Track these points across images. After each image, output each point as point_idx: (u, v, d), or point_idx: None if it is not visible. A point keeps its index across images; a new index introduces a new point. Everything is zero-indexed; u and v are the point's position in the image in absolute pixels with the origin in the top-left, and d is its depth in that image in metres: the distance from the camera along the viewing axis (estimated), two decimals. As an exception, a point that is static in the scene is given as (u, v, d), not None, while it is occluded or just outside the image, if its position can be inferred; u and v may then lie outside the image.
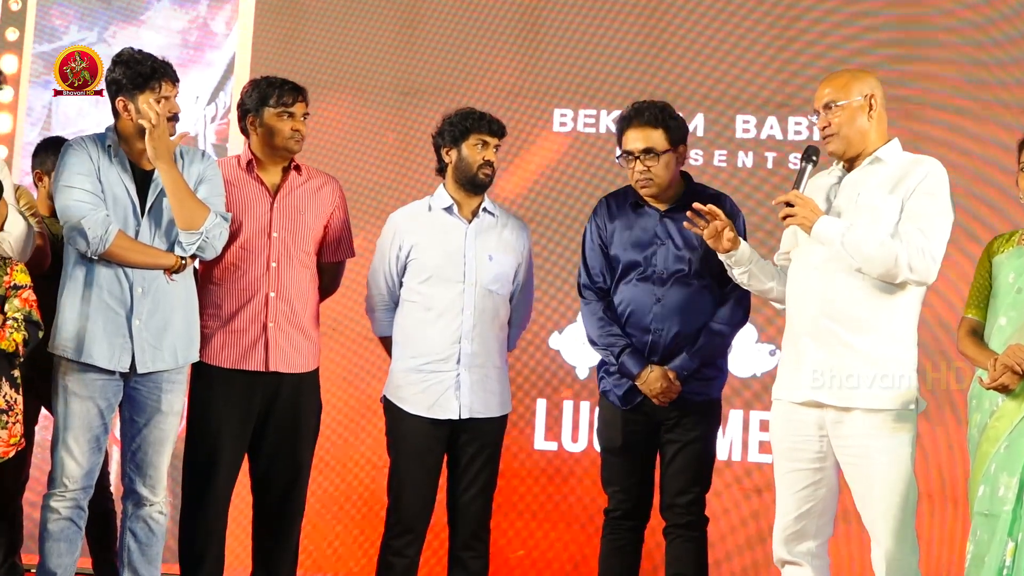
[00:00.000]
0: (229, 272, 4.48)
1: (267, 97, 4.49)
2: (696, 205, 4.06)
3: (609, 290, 4.43)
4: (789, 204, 3.89)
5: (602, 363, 4.48)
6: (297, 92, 4.54)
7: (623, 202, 4.49)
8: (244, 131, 4.60)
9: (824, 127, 3.97)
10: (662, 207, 4.42)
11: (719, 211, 4.06)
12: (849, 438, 3.87)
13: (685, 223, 4.10)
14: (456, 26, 6.00)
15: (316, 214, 4.59)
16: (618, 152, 4.45)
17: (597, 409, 4.54)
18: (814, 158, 3.96)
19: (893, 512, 3.84)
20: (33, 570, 4.30)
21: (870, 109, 3.96)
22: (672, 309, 4.32)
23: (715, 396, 4.44)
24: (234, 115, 5.31)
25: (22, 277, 4.12)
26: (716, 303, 4.36)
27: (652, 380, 4.28)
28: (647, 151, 4.34)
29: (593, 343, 4.46)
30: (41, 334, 4.12)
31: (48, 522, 4.19)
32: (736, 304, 4.38)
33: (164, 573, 4.40)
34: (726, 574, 5.52)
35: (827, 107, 3.95)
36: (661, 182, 4.36)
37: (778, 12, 5.79)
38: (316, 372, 4.62)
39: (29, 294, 4.11)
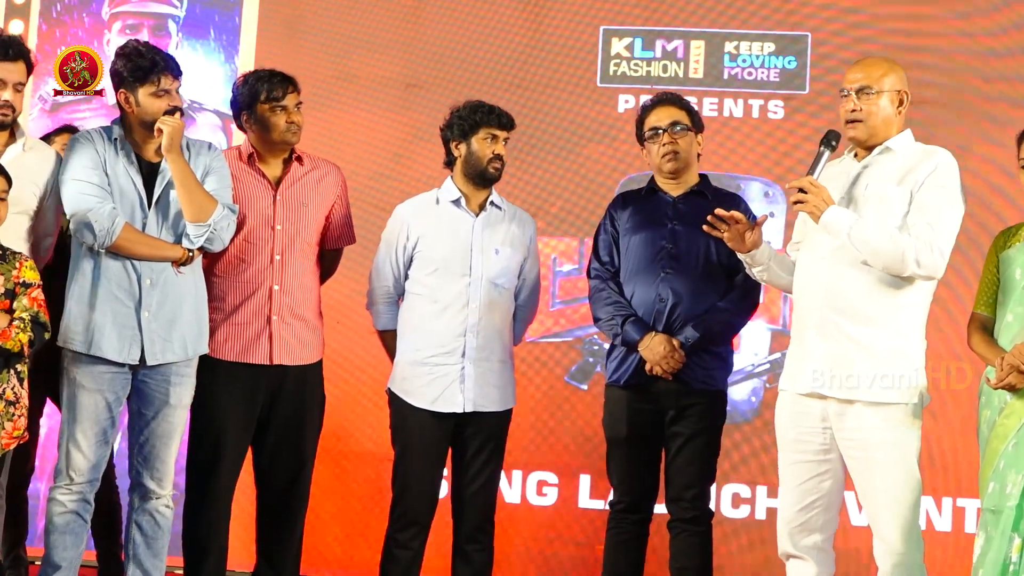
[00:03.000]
0: (232, 265, 4.48)
1: (257, 92, 4.47)
2: (718, 211, 4.03)
3: (618, 273, 4.46)
4: (802, 190, 3.87)
5: (610, 350, 4.50)
6: (287, 83, 4.51)
7: (637, 192, 4.59)
8: (241, 128, 4.60)
9: (853, 110, 3.94)
10: (676, 193, 4.46)
11: (742, 216, 4.02)
12: (852, 431, 3.87)
13: (704, 227, 4.07)
14: (460, 19, 6.00)
15: (319, 205, 4.58)
16: (642, 134, 4.52)
17: (604, 401, 4.55)
18: (833, 143, 3.95)
19: (896, 506, 3.84)
20: (38, 563, 4.29)
21: (899, 104, 3.96)
22: (677, 291, 4.35)
23: (720, 387, 4.46)
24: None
25: (31, 274, 4.11)
26: (724, 290, 4.40)
27: (655, 344, 4.29)
28: (674, 124, 4.43)
29: (598, 319, 4.49)
30: (47, 335, 4.10)
31: (53, 515, 4.19)
32: (745, 292, 4.42)
33: (168, 565, 4.39)
34: (729, 568, 5.53)
35: (861, 91, 3.93)
36: (686, 156, 4.45)
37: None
38: (320, 364, 4.62)
39: (38, 294, 4.09)
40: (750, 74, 5.85)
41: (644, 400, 4.38)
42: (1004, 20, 5.66)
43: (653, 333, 4.32)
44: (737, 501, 5.64)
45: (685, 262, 4.38)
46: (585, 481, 5.73)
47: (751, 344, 5.72)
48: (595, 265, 4.54)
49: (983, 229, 5.08)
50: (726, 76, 5.87)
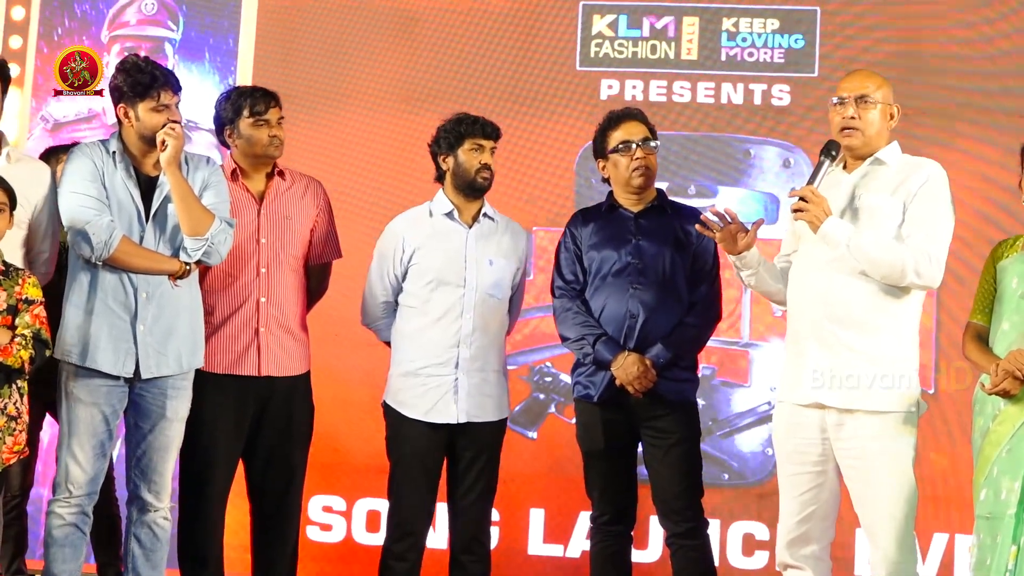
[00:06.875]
0: (219, 278, 4.52)
1: (240, 108, 4.53)
2: (713, 209, 4.08)
3: (583, 291, 4.47)
4: (802, 199, 3.89)
5: (576, 365, 4.51)
6: (269, 98, 4.57)
7: (597, 209, 4.59)
8: (224, 144, 4.65)
9: (852, 118, 3.96)
10: (636, 209, 4.48)
11: (735, 213, 4.06)
12: (850, 440, 3.89)
13: (697, 226, 4.11)
14: (454, 34, 5.97)
15: (302, 218, 4.63)
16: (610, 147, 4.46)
17: (575, 415, 4.54)
18: (834, 153, 3.98)
19: (894, 515, 3.86)
20: (38, 576, 4.32)
21: (890, 119, 4.02)
22: (647, 305, 4.35)
23: (692, 399, 4.47)
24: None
25: (34, 291, 4.13)
26: (688, 303, 4.41)
27: (628, 364, 4.29)
28: (646, 140, 4.44)
29: (566, 338, 4.48)
30: (48, 353, 4.12)
31: (52, 528, 4.19)
32: (708, 305, 4.45)
33: (167, 578, 4.41)
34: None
35: (860, 99, 3.96)
36: (654, 173, 4.48)
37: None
38: (308, 375, 4.66)
39: (40, 311, 4.11)
40: (751, 55, 5.51)
41: (617, 412, 4.39)
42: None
43: (626, 353, 4.31)
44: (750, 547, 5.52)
45: (652, 277, 4.39)
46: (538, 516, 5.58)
47: (765, 374, 5.33)
48: (559, 283, 4.53)
49: (986, 236, 5.03)
50: (724, 57, 5.54)
